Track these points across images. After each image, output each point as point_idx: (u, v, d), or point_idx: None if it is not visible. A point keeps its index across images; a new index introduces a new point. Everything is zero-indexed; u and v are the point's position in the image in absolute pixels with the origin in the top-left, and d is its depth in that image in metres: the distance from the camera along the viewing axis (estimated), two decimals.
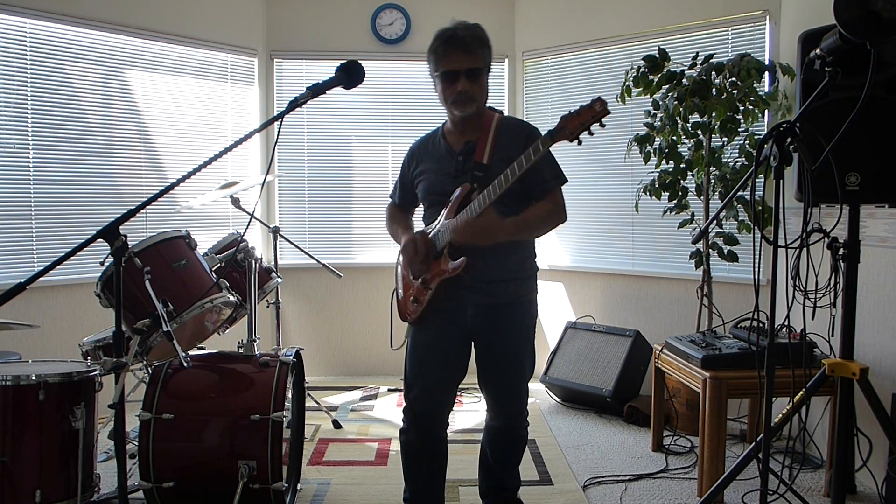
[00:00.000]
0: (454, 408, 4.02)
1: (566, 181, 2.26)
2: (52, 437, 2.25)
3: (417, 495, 2.40)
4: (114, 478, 2.81)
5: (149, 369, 2.64)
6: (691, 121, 3.51)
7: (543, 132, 2.29)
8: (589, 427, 3.77)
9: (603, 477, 3.05)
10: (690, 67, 3.53)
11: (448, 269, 2.16)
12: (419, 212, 2.50)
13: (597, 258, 4.55)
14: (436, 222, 2.26)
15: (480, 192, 2.10)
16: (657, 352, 3.30)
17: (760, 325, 2.74)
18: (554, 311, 4.71)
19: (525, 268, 2.31)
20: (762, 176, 2.05)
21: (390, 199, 2.56)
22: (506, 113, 2.38)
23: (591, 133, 1.96)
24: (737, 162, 3.51)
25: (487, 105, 2.30)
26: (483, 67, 2.19)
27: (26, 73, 3.74)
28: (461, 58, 2.14)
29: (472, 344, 2.34)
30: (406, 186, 2.45)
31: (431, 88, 2.28)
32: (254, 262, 2.91)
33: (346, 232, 4.97)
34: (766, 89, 3.56)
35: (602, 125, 1.96)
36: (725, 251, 3.46)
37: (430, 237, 2.24)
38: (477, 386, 2.40)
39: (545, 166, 2.16)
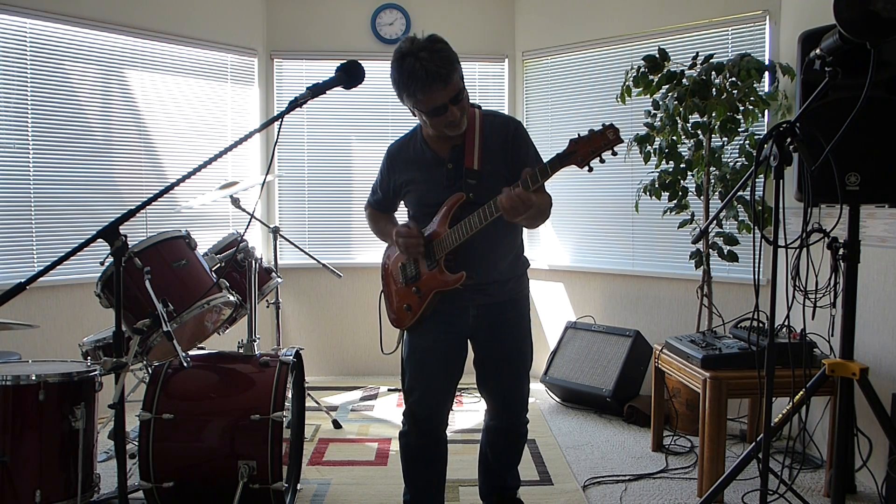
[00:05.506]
0: (454, 408, 4.07)
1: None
2: (52, 437, 2.25)
3: (418, 497, 2.40)
4: (114, 478, 2.81)
5: (149, 369, 2.64)
6: (691, 121, 3.51)
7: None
8: (589, 427, 3.77)
9: (603, 477, 3.05)
10: (690, 67, 3.52)
11: (448, 281, 2.15)
12: (398, 215, 2.48)
13: (597, 258, 4.55)
14: (427, 228, 2.22)
15: (477, 200, 2.07)
16: (657, 352, 3.30)
17: (760, 325, 2.74)
18: (554, 311, 4.71)
19: (519, 265, 2.34)
20: (762, 176, 2.05)
21: (368, 203, 2.51)
22: (506, 113, 2.35)
23: (602, 161, 1.89)
24: (737, 162, 3.51)
25: None
26: (463, 86, 2.07)
27: (26, 73, 3.74)
28: (442, 92, 1.99)
29: (469, 345, 2.34)
30: (388, 194, 2.40)
31: None
32: (254, 262, 2.91)
33: (346, 232, 4.97)
34: (766, 89, 3.56)
35: (615, 153, 1.90)
36: (725, 251, 3.46)
37: (425, 236, 2.21)
38: (476, 385, 2.40)
39: (537, 162, 2.13)
